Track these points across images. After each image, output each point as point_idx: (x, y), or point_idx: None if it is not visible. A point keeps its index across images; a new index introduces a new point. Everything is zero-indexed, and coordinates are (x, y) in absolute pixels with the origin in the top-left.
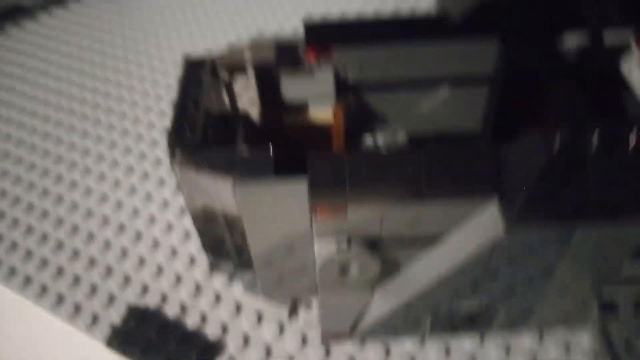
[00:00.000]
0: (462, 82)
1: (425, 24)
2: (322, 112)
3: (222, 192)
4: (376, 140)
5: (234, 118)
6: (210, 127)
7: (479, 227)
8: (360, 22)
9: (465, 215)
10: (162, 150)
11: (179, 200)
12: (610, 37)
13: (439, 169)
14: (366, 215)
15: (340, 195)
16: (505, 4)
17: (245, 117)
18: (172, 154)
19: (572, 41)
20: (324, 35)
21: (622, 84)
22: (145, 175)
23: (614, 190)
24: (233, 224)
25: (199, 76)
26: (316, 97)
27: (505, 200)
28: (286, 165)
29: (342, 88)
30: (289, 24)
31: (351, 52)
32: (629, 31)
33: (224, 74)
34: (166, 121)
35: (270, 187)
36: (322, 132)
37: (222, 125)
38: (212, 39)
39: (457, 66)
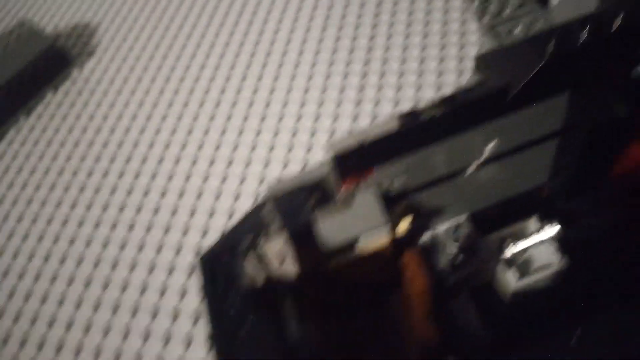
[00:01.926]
0: (524, 146)
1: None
2: (374, 238)
3: None
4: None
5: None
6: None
7: None
8: (391, 133)
9: None
10: None
11: None
12: None
13: None
14: None
15: None
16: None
17: (289, 284)
18: None
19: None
20: (357, 160)
21: None
22: None
23: None
24: None
25: (221, 279)
26: (365, 226)
27: None
28: None
29: (389, 202)
30: None
31: (396, 165)
32: None
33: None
34: None
35: None
36: (376, 259)
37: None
38: None
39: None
